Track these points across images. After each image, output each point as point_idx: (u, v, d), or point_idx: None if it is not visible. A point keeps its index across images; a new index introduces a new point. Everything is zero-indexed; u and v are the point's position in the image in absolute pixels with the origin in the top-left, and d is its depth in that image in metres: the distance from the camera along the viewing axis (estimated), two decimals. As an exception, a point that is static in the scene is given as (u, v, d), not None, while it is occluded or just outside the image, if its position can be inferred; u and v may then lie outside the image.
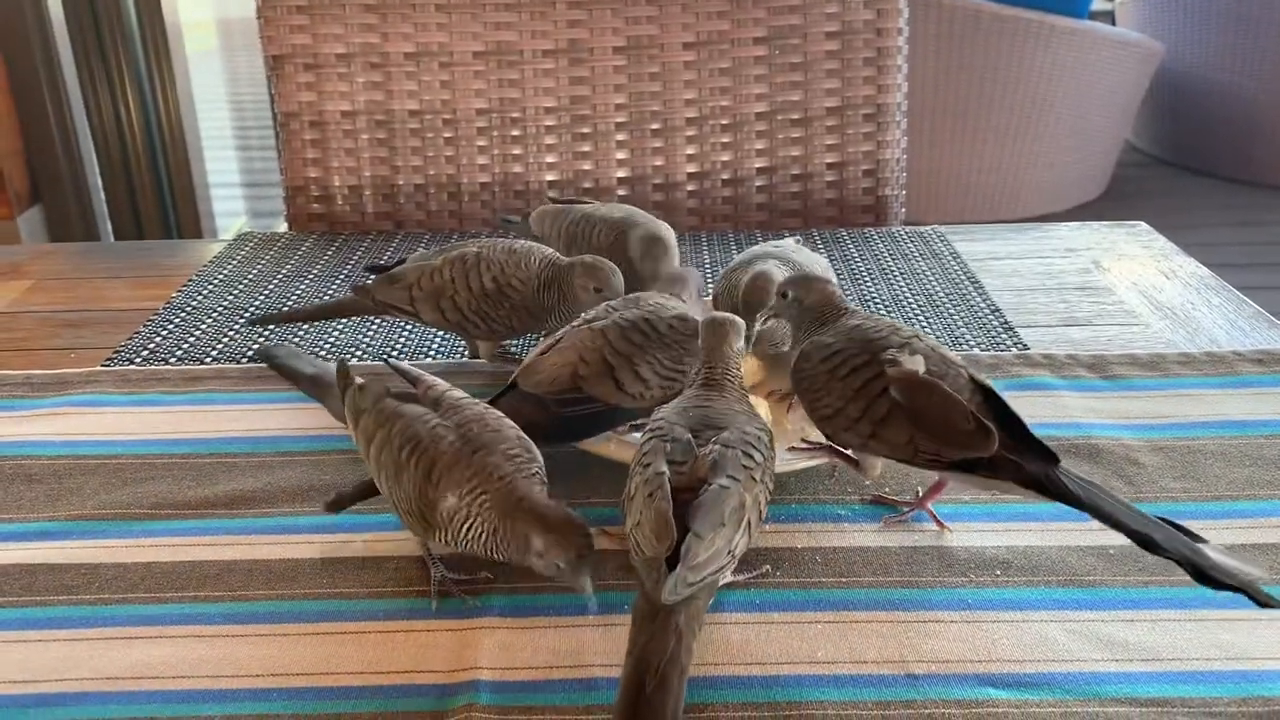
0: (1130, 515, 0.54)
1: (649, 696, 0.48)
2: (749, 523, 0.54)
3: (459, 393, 0.63)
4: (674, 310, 0.71)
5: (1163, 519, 0.54)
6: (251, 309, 0.97)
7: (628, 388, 0.67)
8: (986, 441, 0.57)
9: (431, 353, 0.89)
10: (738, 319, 0.64)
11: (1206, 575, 0.51)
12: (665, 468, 0.54)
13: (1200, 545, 0.53)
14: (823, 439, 0.66)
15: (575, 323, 0.71)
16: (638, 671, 0.49)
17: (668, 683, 0.48)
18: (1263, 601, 0.50)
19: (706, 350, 0.63)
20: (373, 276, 0.83)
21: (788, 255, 0.80)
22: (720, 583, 0.57)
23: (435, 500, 0.57)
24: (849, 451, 0.65)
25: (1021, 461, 0.57)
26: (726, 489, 0.53)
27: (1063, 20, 3.00)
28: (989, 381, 0.61)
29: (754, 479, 0.55)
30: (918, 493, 0.67)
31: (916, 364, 0.59)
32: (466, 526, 0.56)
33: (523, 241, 0.82)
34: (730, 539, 0.52)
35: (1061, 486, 0.56)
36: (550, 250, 0.81)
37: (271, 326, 0.93)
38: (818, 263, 0.81)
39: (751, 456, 0.56)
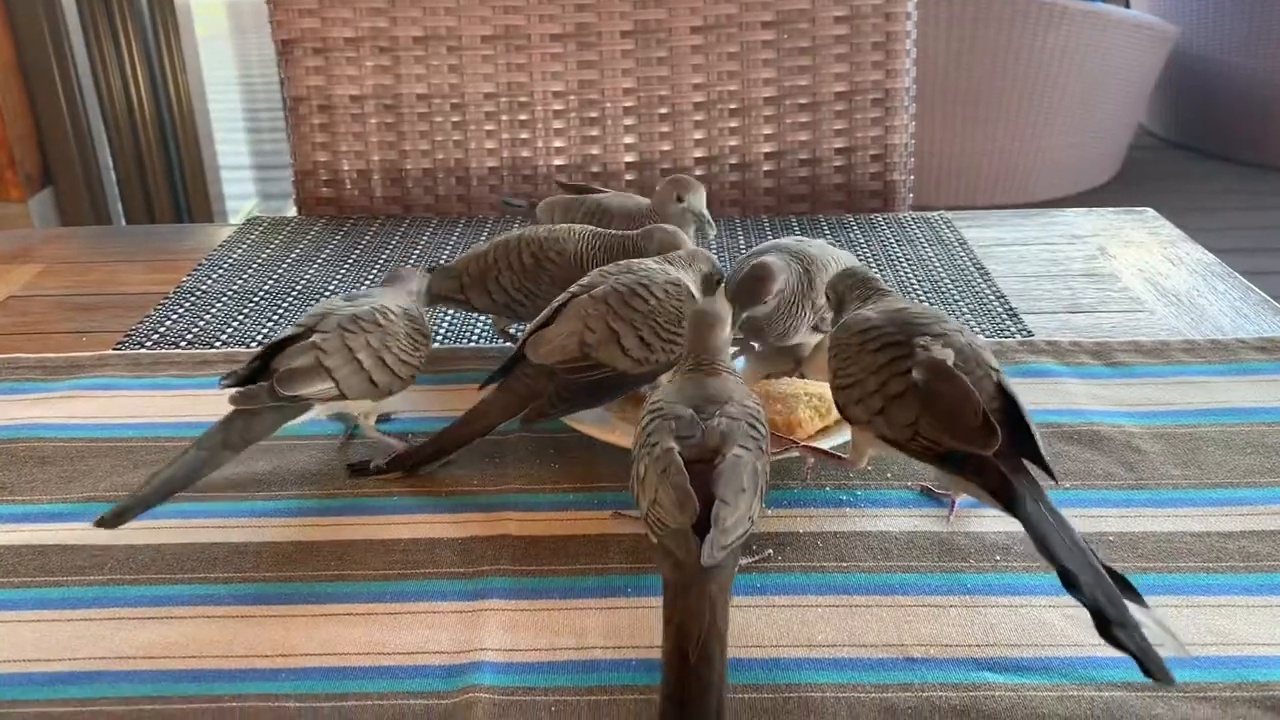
0: (1071, 556, 0.52)
1: (694, 668, 0.48)
2: (761, 490, 0.55)
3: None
4: (666, 276, 0.72)
5: (1119, 579, 0.52)
6: (261, 293, 0.98)
7: (633, 352, 0.69)
8: (988, 441, 0.56)
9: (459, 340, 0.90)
10: (720, 311, 0.65)
11: (1109, 630, 0.50)
12: (674, 444, 0.55)
13: (1135, 605, 0.51)
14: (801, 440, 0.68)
15: (572, 290, 0.72)
16: (680, 645, 0.49)
17: (710, 654, 0.49)
18: (1152, 673, 0.49)
19: (691, 342, 0.64)
20: (431, 270, 0.85)
21: (804, 249, 0.79)
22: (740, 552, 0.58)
23: None
24: (828, 447, 0.66)
25: (1010, 476, 0.55)
26: (741, 457, 0.55)
27: (1076, 2, 2.98)
28: (1015, 393, 0.59)
29: (761, 449, 0.57)
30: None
31: (946, 355, 0.59)
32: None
33: (563, 225, 0.84)
34: (750, 505, 0.54)
35: (1024, 513, 0.54)
36: (590, 228, 0.83)
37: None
38: (846, 259, 0.81)
39: (755, 428, 0.58)
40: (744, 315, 0.73)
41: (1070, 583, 0.51)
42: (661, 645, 0.51)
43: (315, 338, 0.68)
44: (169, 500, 0.63)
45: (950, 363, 0.59)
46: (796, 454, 0.68)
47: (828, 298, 0.70)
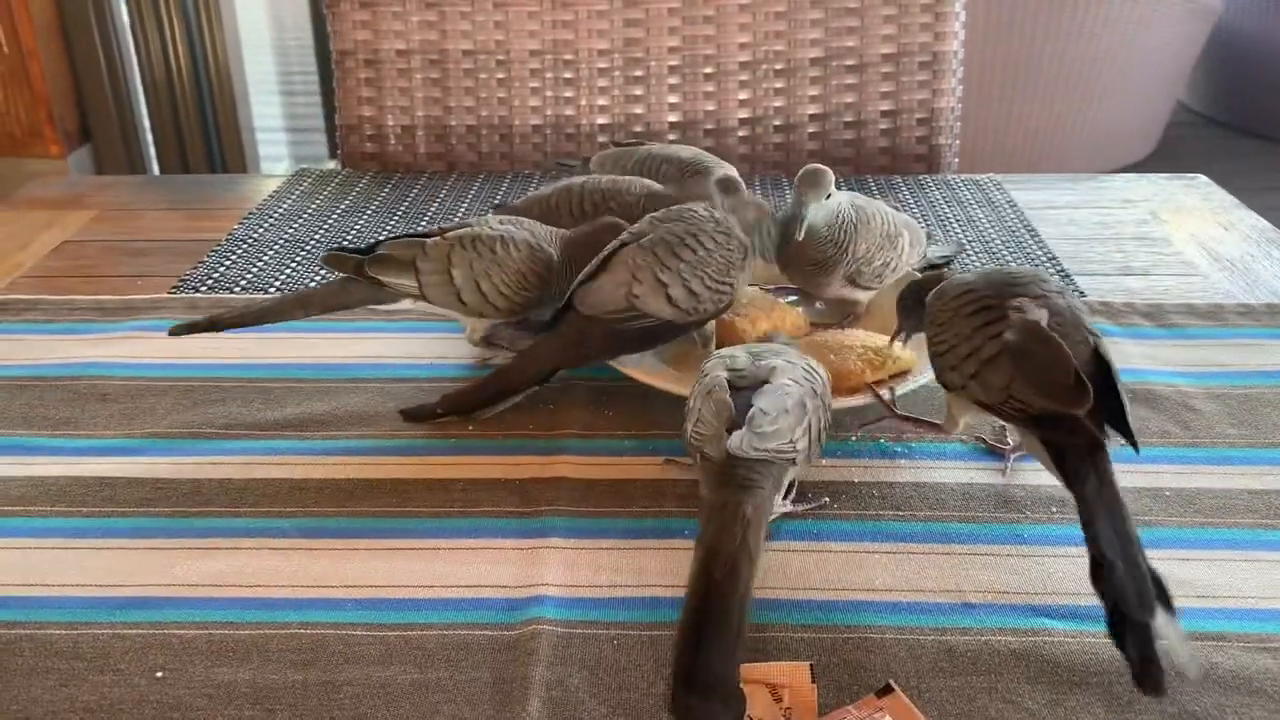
0: (1113, 543, 0.50)
1: (719, 582, 0.49)
2: (811, 426, 0.56)
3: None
4: (716, 225, 0.72)
5: (1156, 581, 0.49)
6: (312, 242, 0.99)
7: (681, 303, 0.69)
8: (1080, 400, 0.54)
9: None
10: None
11: (1118, 629, 0.49)
12: (725, 373, 0.58)
13: (1159, 607, 0.49)
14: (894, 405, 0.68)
15: (622, 238, 0.72)
16: (708, 558, 0.50)
17: (738, 569, 0.49)
18: (1142, 684, 0.47)
19: None
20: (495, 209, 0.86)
21: (855, 200, 0.79)
22: (783, 504, 0.60)
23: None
24: (928, 418, 0.66)
25: (1095, 445, 0.54)
26: (788, 386, 0.56)
27: (1118, -26, 2.93)
28: (1112, 358, 0.57)
29: (815, 392, 0.57)
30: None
31: (1040, 316, 0.57)
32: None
33: (628, 177, 0.85)
34: (793, 428, 0.55)
35: (1080, 483, 0.53)
36: (650, 182, 0.83)
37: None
38: (908, 225, 0.80)
39: (813, 375, 0.59)
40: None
41: (1097, 574, 0.50)
42: (690, 567, 0.50)
43: (431, 241, 0.72)
44: (238, 329, 0.73)
45: (1044, 323, 0.57)
46: (900, 425, 0.68)
47: (902, 301, 0.68)
